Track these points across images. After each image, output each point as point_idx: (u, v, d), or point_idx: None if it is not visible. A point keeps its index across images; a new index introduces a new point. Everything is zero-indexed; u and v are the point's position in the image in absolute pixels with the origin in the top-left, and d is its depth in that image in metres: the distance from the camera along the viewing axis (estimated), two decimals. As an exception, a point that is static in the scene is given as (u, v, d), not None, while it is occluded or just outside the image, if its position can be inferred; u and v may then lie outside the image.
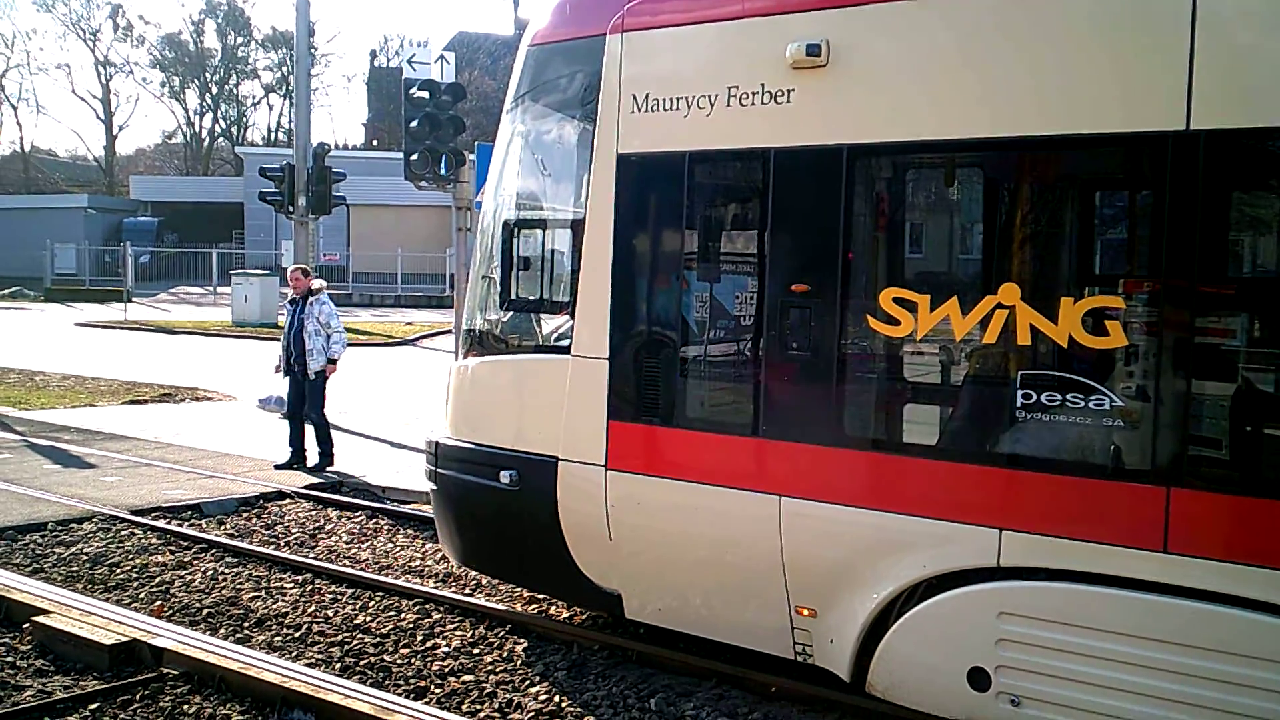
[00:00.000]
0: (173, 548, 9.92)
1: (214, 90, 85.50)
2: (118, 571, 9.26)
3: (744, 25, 6.45)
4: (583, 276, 7.08)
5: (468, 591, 8.85)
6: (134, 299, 43.93)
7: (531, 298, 7.70)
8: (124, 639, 7.32)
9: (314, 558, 9.68)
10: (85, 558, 9.60)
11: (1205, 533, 5.20)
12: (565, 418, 7.19)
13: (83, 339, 33.28)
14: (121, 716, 6.55)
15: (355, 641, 7.77)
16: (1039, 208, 5.85)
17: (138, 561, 9.50)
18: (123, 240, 50.36)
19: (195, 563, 9.50)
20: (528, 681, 7.11)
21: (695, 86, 6.60)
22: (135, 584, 8.97)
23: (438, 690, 6.98)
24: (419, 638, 7.83)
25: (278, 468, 13.06)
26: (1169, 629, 5.29)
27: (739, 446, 6.53)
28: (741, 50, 6.45)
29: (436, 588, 8.90)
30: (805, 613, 6.45)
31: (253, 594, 8.73)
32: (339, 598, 8.65)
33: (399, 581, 9.01)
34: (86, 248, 55.95)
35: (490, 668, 7.32)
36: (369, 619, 8.20)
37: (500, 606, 8.40)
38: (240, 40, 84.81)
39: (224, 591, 8.78)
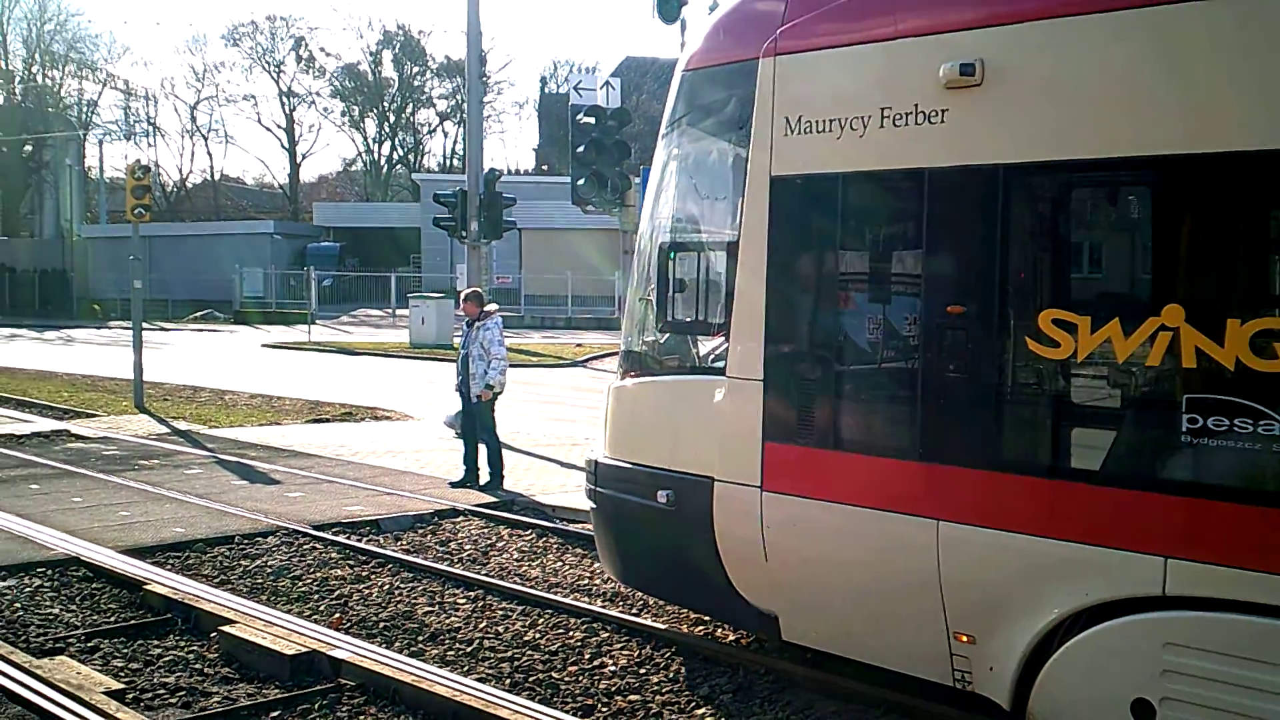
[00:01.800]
0: (351, 562, 10.22)
1: (391, 119, 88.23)
2: (299, 584, 9.59)
3: (896, 46, 6.39)
4: (737, 298, 7.10)
5: (634, 611, 8.90)
6: (317, 321, 45.48)
7: (687, 319, 7.73)
8: (304, 649, 7.56)
9: (486, 574, 9.86)
10: (269, 570, 9.97)
11: None
12: (721, 438, 7.19)
13: (269, 359, 34.64)
14: (301, 724, 6.78)
15: (525, 658, 7.88)
16: (1203, 227, 5.64)
17: (318, 575, 9.82)
18: (307, 265, 52.20)
19: (373, 577, 9.77)
20: (693, 703, 7.11)
21: (848, 108, 6.54)
22: (315, 596, 9.27)
23: (604, 709, 7.03)
24: (586, 656, 7.91)
25: (452, 485, 13.36)
26: None
27: (893, 469, 6.44)
28: (894, 71, 6.39)
29: (604, 607, 8.97)
30: (964, 639, 6.29)
31: (427, 608, 8.94)
32: (509, 614, 8.79)
33: (567, 600, 9.12)
34: (273, 272, 58.25)
35: (656, 688, 7.34)
36: (538, 636, 8.31)
37: (665, 627, 8.42)
38: (416, 70, 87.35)
39: (399, 605, 9.01)
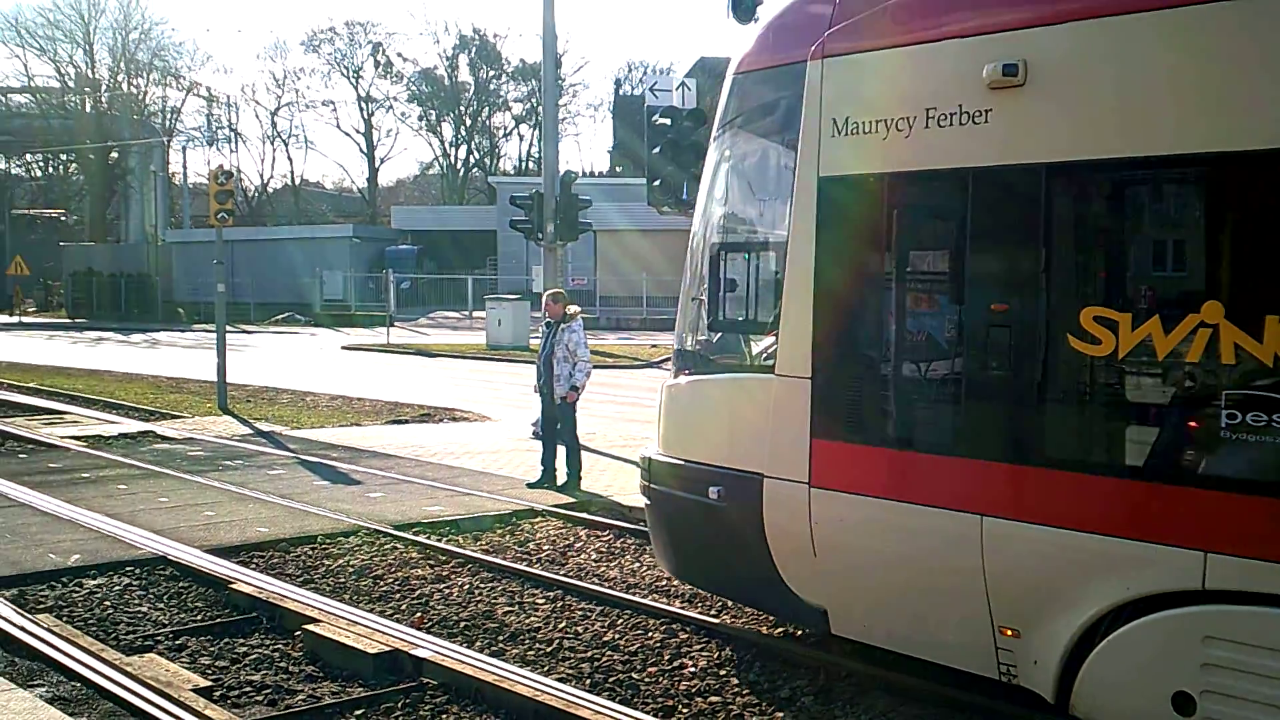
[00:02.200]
0: (431, 562, 10.31)
1: (468, 122, 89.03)
2: (380, 584, 9.68)
3: (940, 47, 6.50)
4: (786, 297, 7.22)
5: (713, 613, 8.88)
6: (395, 323, 45.97)
7: (738, 318, 7.86)
8: (387, 648, 7.64)
9: (564, 574, 9.90)
10: (351, 569, 10.08)
11: None
12: (770, 436, 7.33)
13: (348, 361, 35.07)
14: (384, 723, 6.85)
15: (604, 658, 7.89)
16: (1245, 224, 5.67)
17: (399, 574, 9.91)
18: (385, 268, 52.77)
19: (453, 577, 9.85)
20: (774, 706, 7.08)
21: (893, 109, 6.64)
22: (397, 596, 9.36)
23: (685, 710, 7.02)
24: (666, 657, 7.90)
25: (530, 486, 13.41)
26: None
27: (937, 465, 6.56)
28: (938, 72, 6.50)
29: (683, 608, 8.96)
30: (1009, 633, 6.40)
31: (506, 608, 8.98)
32: (588, 614, 8.81)
33: (646, 600, 9.12)
34: (352, 275, 59.03)
35: (737, 690, 7.32)
36: (617, 636, 8.32)
37: (745, 629, 8.39)
38: (492, 74, 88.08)
39: (479, 605, 9.07)
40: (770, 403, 7.32)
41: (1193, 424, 5.81)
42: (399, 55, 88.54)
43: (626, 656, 7.93)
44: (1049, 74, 6.05)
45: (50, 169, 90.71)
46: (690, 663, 7.77)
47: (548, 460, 13.57)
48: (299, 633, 8.19)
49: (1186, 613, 5.65)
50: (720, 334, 8.14)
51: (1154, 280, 6.12)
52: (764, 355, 7.60)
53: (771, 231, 7.66)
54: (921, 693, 7.03)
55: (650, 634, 8.36)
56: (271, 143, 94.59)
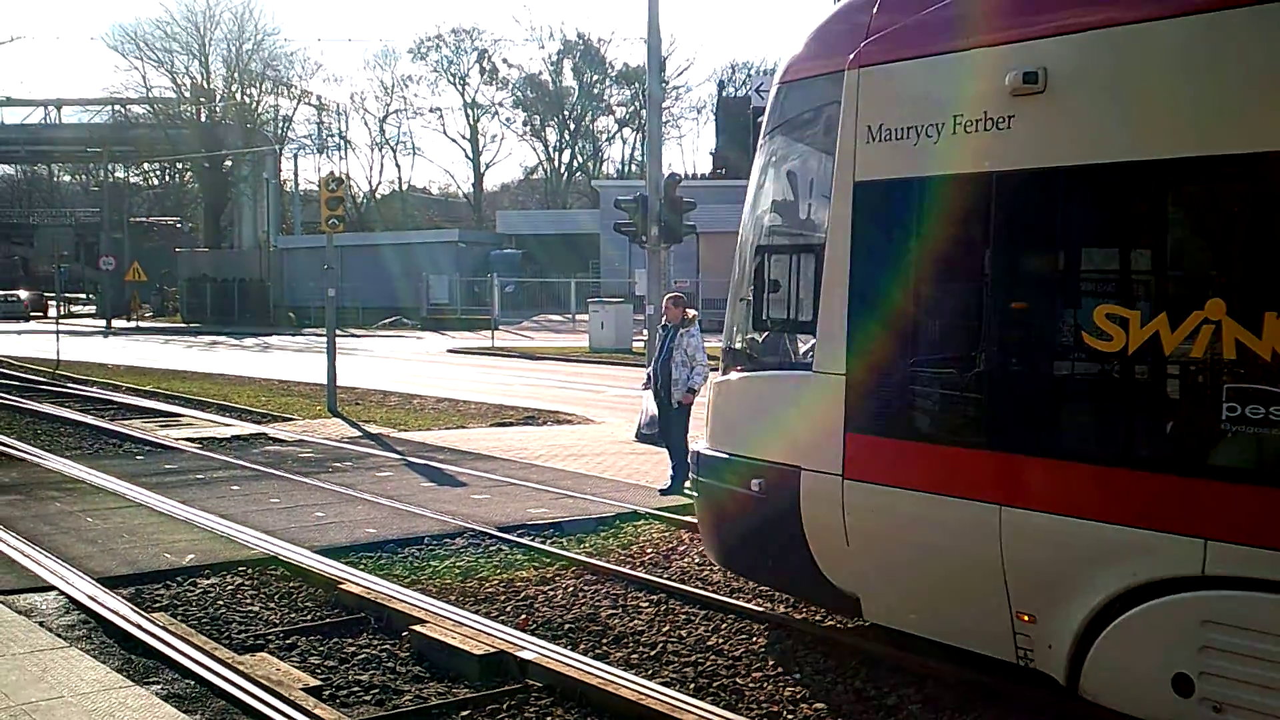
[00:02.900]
0: (536, 564, 10.34)
1: (571, 127, 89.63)
2: (486, 585, 9.75)
3: (967, 57, 6.81)
4: (823, 298, 7.55)
5: (819, 618, 8.78)
6: (500, 326, 46.41)
7: (780, 318, 8.17)
8: (492, 650, 7.68)
9: (668, 578, 9.87)
10: (457, 571, 10.16)
11: None
12: (807, 430, 7.70)
13: (454, 364, 35.48)
14: (490, 724, 6.88)
15: (709, 663, 7.85)
16: (1248, 225, 5.91)
17: (504, 576, 9.97)
18: (490, 271, 53.33)
19: (557, 579, 9.87)
20: (880, 713, 6.98)
21: (924, 116, 6.97)
22: (502, 598, 9.41)
23: (790, 716, 6.96)
24: (771, 662, 7.83)
25: (663, 493, 13.33)
26: None
27: (958, 458, 6.87)
28: (965, 80, 6.79)
29: (787, 613, 8.88)
30: (1025, 619, 6.63)
31: (610, 611, 8.98)
32: (692, 618, 8.77)
33: (750, 605, 9.05)
34: (458, 279, 59.71)
35: (842, 697, 7.22)
36: (721, 641, 8.27)
37: (850, 636, 8.28)
38: (595, 78, 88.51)
39: (583, 608, 9.08)
40: (807, 398, 7.72)
41: (1195, 416, 6.05)
42: (504, 61, 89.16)
43: (731, 661, 7.88)
44: (1066, 81, 6.33)
45: (166, 178, 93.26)
46: (797, 669, 7.69)
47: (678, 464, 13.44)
48: (406, 633, 8.27)
49: (1186, 598, 5.89)
50: (764, 333, 8.47)
51: (1162, 278, 6.34)
52: (803, 353, 8.01)
53: (813, 234, 7.97)
54: (1030, 701, 6.87)
55: (755, 639, 8.30)
56: (379, 149, 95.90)
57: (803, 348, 8.08)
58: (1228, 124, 5.77)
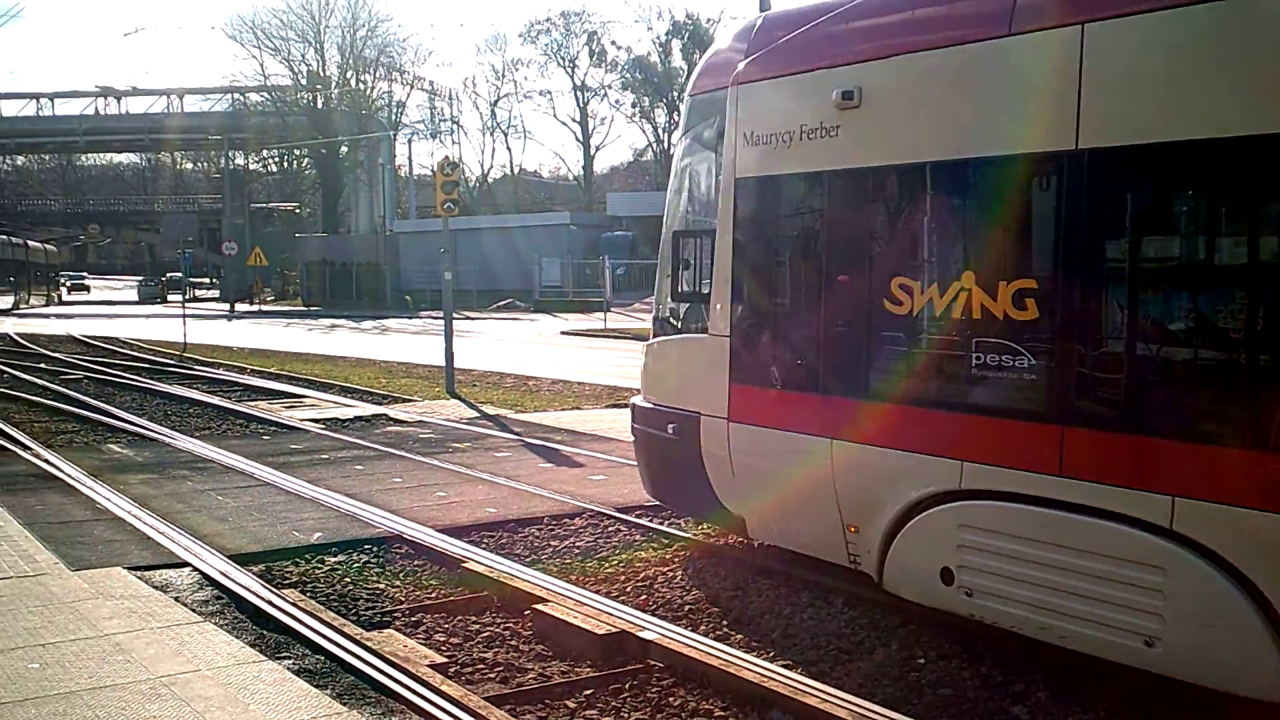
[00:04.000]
0: (655, 545, 10.38)
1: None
2: (605, 565, 9.81)
3: (808, 77, 8.41)
4: (714, 273, 9.29)
5: (938, 610, 8.65)
6: (612, 309, 46.58)
7: (688, 291, 9.86)
8: (614, 630, 7.73)
9: (784, 561, 9.81)
10: (576, 551, 10.25)
11: (1085, 461, 6.70)
12: (704, 382, 9.45)
13: (567, 346, 35.71)
14: (612, 704, 6.92)
15: (829, 646, 7.81)
16: (991, 211, 7.38)
17: (624, 557, 10.03)
18: (601, 254, 53.52)
19: (676, 560, 9.90)
20: (1008, 700, 6.88)
21: (781, 124, 8.61)
22: (622, 578, 9.46)
23: (916, 702, 6.88)
24: (894, 646, 7.76)
25: None
26: (1073, 539, 6.77)
27: (803, 402, 8.60)
28: (807, 97, 8.38)
29: (907, 598, 8.76)
30: (852, 530, 8.29)
31: (730, 593, 8.98)
32: (812, 602, 8.71)
33: (868, 592, 8.95)
34: (569, 262, 60.04)
35: (968, 683, 7.13)
36: (842, 625, 8.21)
37: (969, 624, 8.14)
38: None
39: (703, 589, 9.10)
40: (704, 357, 9.48)
41: (954, 364, 7.55)
42: (613, 44, 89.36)
43: (852, 645, 7.84)
44: (875, 98, 7.93)
45: (285, 164, 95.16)
46: (920, 654, 7.61)
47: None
48: (528, 612, 8.36)
49: (949, 508, 7.51)
50: (678, 304, 10.13)
51: (934, 255, 7.87)
52: (701, 320, 9.65)
53: (709, 222, 9.50)
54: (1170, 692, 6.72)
55: (878, 624, 8.21)
56: (491, 134, 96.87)
57: (700, 314, 9.69)
58: (976, 134, 7.35)
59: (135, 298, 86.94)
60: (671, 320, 10.26)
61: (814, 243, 8.64)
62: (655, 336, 10.49)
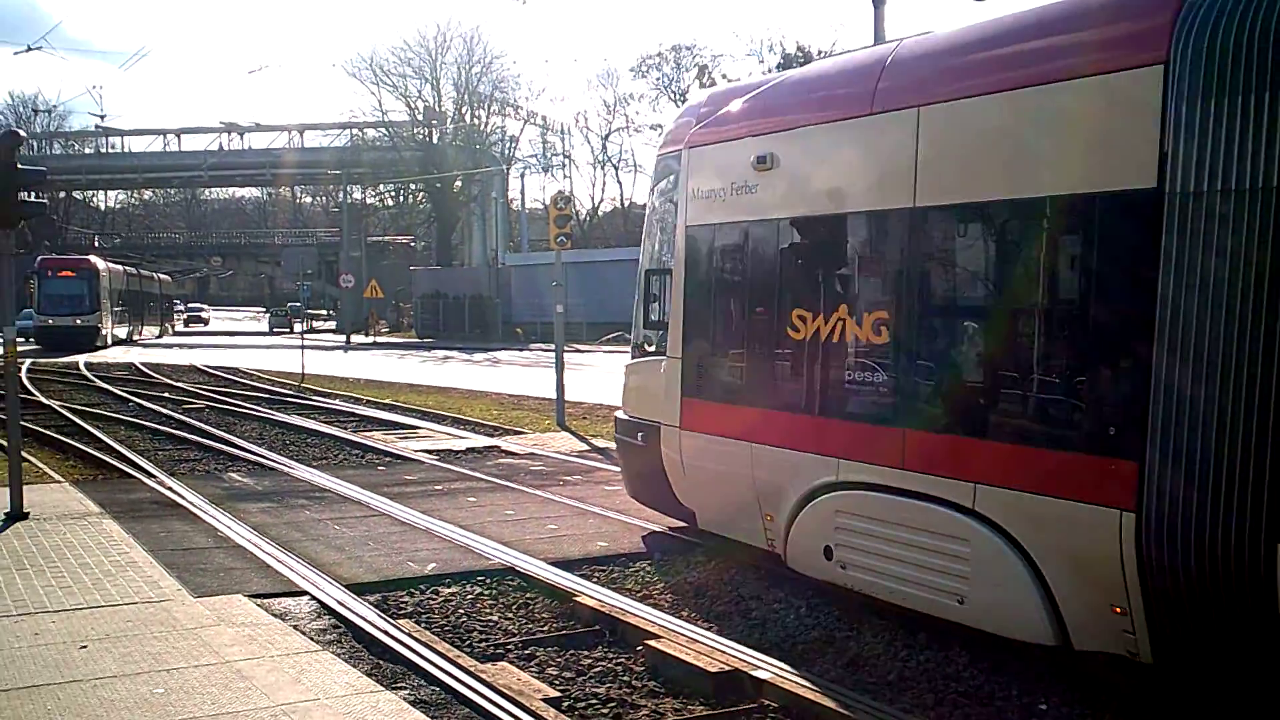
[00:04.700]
0: (767, 582, 10.25)
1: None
2: (717, 602, 9.74)
3: (737, 143, 10.41)
4: (671, 305, 11.38)
5: (1068, 658, 8.42)
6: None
7: (655, 319, 11.89)
8: (727, 668, 7.67)
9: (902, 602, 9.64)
10: (688, 586, 10.20)
11: (926, 459, 8.41)
12: (662, 397, 11.44)
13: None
14: (727, 743, 6.85)
15: (948, 690, 7.64)
16: (860, 255, 9.45)
17: (735, 593, 9.94)
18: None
19: (790, 599, 9.76)
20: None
21: (717, 182, 10.66)
22: (735, 615, 9.39)
23: (1038, 750, 6.70)
24: (1014, 693, 7.56)
25: None
26: (909, 519, 8.54)
27: (731, 412, 10.50)
28: (735, 159, 10.34)
29: (1024, 644, 8.54)
30: (769, 518, 10.09)
31: (846, 633, 8.84)
32: (930, 644, 8.53)
33: (989, 634, 8.75)
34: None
35: (1092, 730, 6.92)
36: (960, 670, 8.02)
37: (1095, 672, 7.91)
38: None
39: (817, 629, 8.98)
40: (662, 375, 11.47)
41: (835, 380, 9.41)
42: (723, 76, 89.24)
43: (970, 690, 7.66)
44: (787, 159, 9.86)
45: (400, 198, 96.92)
46: (1042, 704, 7.40)
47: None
48: (640, 648, 8.33)
49: (829, 496, 9.31)
50: (647, 330, 12.14)
51: (823, 291, 9.54)
52: (664, 345, 11.57)
53: (669, 263, 11.53)
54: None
55: (1001, 667, 8.01)
56: (601, 167, 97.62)
57: (662, 340, 11.64)
58: (849, 192, 9.35)
59: (264, 328, 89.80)
60: (642, 344, 12.31)
61: (739, 280, 10.61)
62: (632, 358, 12.53)
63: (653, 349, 11.89)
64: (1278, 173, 6.41)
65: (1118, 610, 7.21)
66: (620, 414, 12.52)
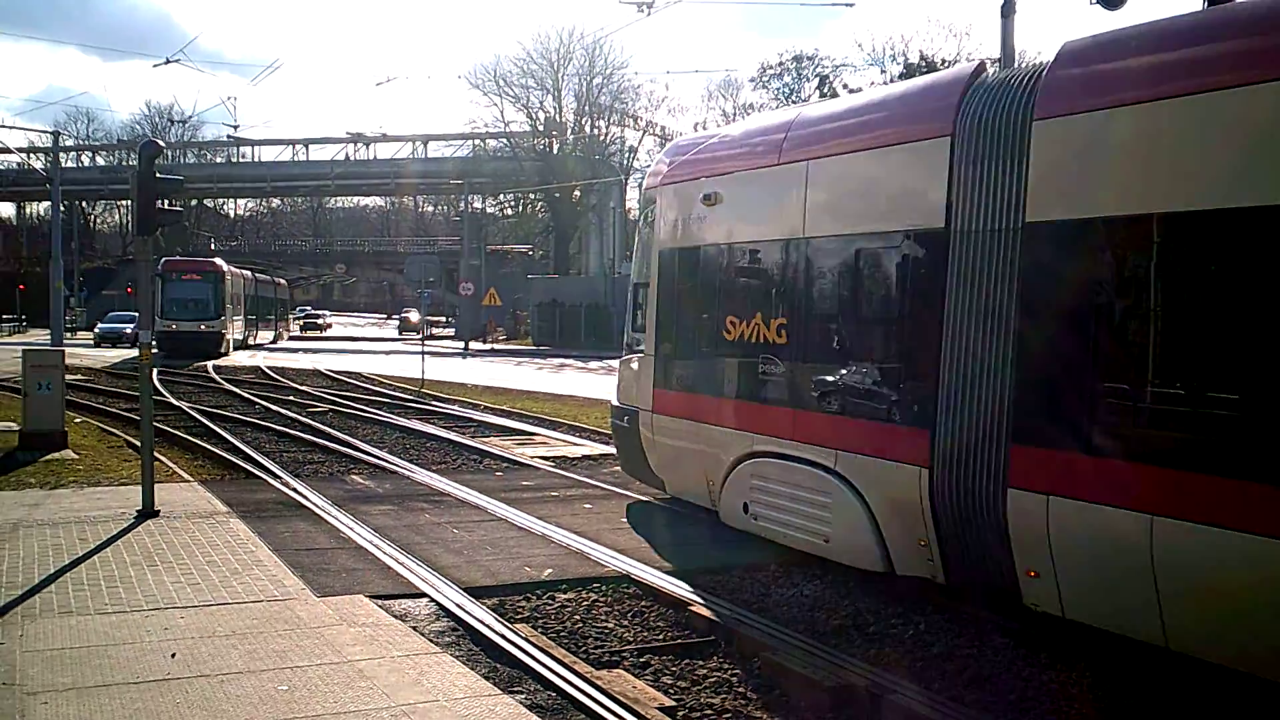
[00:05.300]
0: (885, 596, 10.11)
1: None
2: (834, 616, 9.63)
3: (689, 184, 13.12)
4: (647, 312, 13.97)
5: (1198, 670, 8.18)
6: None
7: (638, 324, 14.39)
8: (844, 683, 7.59)
9: (1020, 619, 9.44)
10: (805, 599, 10.11)
11: (804, 432, 11.01)
12: (640, 386, 14.03)
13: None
14: (843, 759, 6.77)
15: (1072, 713, 7.46)
16: (771, 274, 11.86)
17: (851, 607, 9.83)
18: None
19: (909, 614, 9.63)
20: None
21: (680, 214, 13.37)
22: (850, 629, 9.28)
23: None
24: (1138, 715, 7.35)
25: None
26: (795, 479, 11.11)
27: (686, 397, 13.11)
28: (691, 196, 12.98)
29: (1161, 664, 8.31)
30: (712, 483, 12.55)
31: (966, 650, 8.69)
32: (1052, 664, 8.35)
33: (1122, 656, 8.54)
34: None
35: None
36: (1083, 692, 7.83)
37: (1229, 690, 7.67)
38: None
39: (938, 645, 8.83)
40: (641, 368, 14.09)
41: (751, 370, 11.91)
42: (844, 87, 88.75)
43: (1094, 712, 7.47)
44: (725, 198, 12.45)
45: (520, 207, 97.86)
46: (1170, 725, 7.20)
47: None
48: (756, 659, 8.29)
49: (748, 463, 11.85)
50: (634, 332, 14.63)
51: (748, 300, 12.08)
52: (643, 344, 14.13)
53: (649, 278, 14.00)
54: None
55: (1121, 693, 7.81)
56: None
57: (641, 340, 14.19)
58: (763, 224, 11.91)
59: (384, 334, 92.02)
60: (631, 345, 14.75)
61: (692, 292, 13.16)
62: (623, 355, 15.04)
63: (637, 348, 14.33)
64: (1021, 217, 8.71)
65: (922, 543, 9.74)
66: (613, 401, 15.28)
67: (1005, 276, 8.81)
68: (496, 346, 69.81)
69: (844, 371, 10.70)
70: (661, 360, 13.54)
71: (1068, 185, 8.41)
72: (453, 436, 21.58)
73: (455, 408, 27.67)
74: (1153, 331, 7.79)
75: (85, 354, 49.76)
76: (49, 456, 17.17)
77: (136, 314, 60.79)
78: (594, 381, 39.35)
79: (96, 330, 64.85)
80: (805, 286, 11.15)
